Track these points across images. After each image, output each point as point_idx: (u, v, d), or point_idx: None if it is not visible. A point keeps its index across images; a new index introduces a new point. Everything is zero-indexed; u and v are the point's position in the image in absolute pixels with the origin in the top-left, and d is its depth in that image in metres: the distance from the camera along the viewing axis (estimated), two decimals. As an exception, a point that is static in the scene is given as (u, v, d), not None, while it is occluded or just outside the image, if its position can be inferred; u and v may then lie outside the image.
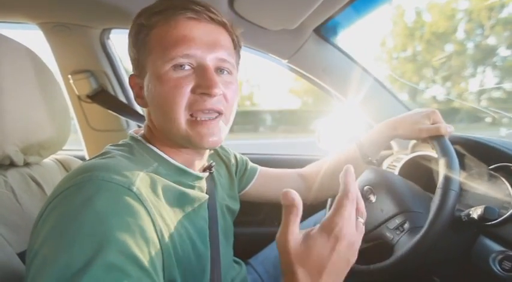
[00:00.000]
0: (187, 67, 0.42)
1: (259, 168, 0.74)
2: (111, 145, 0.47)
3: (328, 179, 0.71)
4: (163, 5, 0.43)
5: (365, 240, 0.61)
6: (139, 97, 0.48)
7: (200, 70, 0.42)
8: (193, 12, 0.42)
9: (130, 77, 0.49)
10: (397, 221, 0.59)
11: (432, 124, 0.60)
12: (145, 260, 0.33)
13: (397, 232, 0.58)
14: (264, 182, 0.73)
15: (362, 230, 0.38)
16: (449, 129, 0.58)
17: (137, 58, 0.46)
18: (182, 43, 0.41)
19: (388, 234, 0.58)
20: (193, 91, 0.42)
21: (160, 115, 0.43)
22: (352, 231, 0.35)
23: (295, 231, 0.34)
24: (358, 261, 0.56)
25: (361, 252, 0.59)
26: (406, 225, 0.58)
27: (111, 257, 0.30)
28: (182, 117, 0.42)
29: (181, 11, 0.42)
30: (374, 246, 0.60)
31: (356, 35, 0.94)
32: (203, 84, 0.41)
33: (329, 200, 0.82)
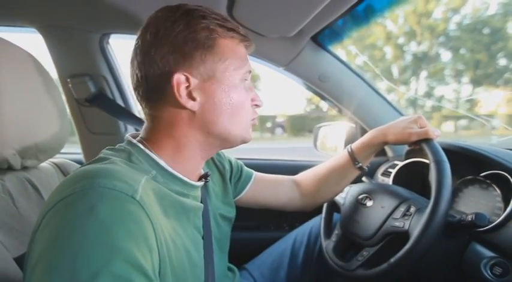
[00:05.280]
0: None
1: (255, 173, 0.73)
2: (107, 149, 0.46)
3: (322, 185, 0.72)
4: (232, 25, 0.47)
5: (376, 241, 0.61)
6: (189, 97, 0.44)
7: (251, 86, 0.51)
8: (250, 43, 0.50)
9: (177, 73, 0.42)
10: (401, 209, 0.60)
11: (420, 128, 0.62)
12: (149, 268, 0.33)
13: (406, 217, 0.57)
14: (259, 188, 0.72)
15: None
16: (436, 133, 0.60)
17: (196, 57, 0.43)
18: (247, 62, 0.49)
19: (398, 224, 0.58)
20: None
21: (228, 118, 0.47)
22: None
23: None
24: (378, 263, 0.56)
25: (376, 254, 0.60)
26: (412, 209, 0.58)
27: (118, 267, 0.30)
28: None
29: (248, 42, 0.50)
30: (387, 243, 0.60)
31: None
32: (258, 99, 0.52)
33: (325, 206, 0.82)
